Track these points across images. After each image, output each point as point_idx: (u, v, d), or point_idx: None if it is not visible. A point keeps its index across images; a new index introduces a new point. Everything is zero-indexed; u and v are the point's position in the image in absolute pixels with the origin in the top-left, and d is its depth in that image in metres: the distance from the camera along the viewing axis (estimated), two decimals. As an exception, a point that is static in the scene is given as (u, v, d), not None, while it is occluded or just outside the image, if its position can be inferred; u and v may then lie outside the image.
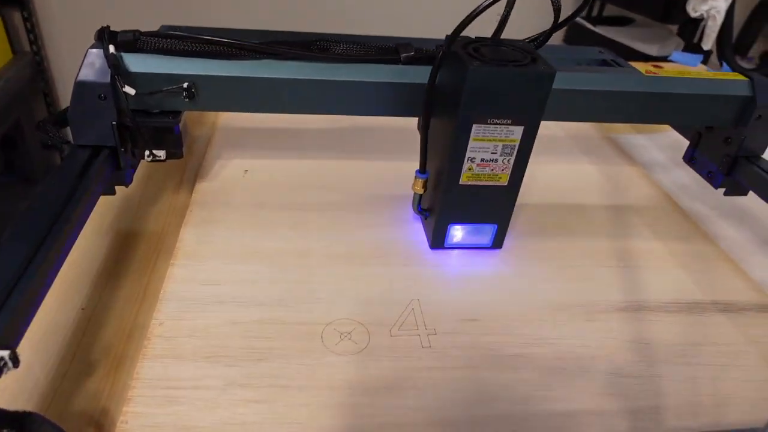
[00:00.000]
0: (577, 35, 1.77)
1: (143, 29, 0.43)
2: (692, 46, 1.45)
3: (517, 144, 0.40)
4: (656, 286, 0.43)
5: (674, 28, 1.55)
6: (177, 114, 0.44)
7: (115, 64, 0.39)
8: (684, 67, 1.00)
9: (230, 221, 0.46)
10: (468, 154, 0.40)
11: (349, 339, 0.35)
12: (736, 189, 0.52)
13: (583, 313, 0.40)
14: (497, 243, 0.46)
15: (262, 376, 0.32)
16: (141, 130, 0.42)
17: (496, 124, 0.38)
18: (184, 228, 0.44)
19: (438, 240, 0.45)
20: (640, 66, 0.51)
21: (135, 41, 0.41)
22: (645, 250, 0.47)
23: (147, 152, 0.44)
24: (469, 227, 0.45)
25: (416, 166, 0.44)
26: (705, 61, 1.53)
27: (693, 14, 1.37)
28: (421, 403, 0.32)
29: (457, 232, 0.45)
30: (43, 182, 0.38)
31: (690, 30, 1.45)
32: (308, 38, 0.45)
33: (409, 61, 0.45)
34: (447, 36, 0.39)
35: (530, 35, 0.46)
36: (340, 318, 0.37)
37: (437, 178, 0.43)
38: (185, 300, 0.37)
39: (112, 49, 0.40)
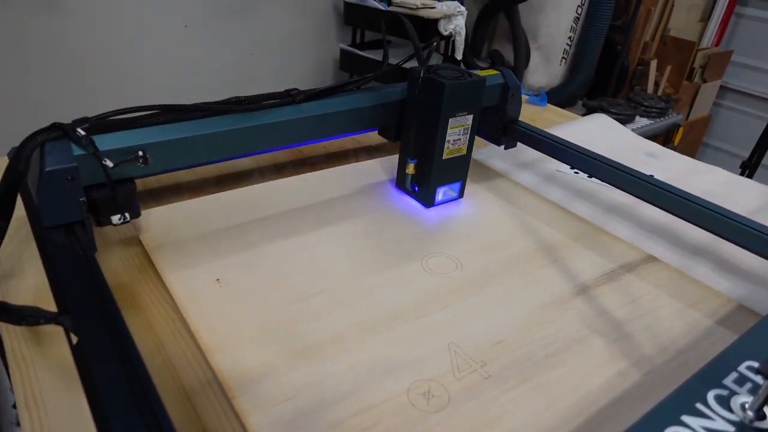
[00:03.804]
0: (349, 61, 1.95)
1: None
2: (448, 58, 1.74)
3: (470, 126, 0.62)
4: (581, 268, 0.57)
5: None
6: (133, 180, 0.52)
7: (91, 144, 0.46)
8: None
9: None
10: (447, 138, 0.60)
11: (432, 396, 0.40)
12: (510, 144, 0.76)
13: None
14: (461, 194, 0.67)
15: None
16: (117, 197, 0.49)
17: (459, 116, 0.60)
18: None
19: (430, 200, 0.65)
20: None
21: (90, 127, 0.47)
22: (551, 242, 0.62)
23: (118, 216, 0.51)
24: (445, 187, 0.65)
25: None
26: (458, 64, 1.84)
27: (444, 33, 1.65)
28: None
29: (440, 193, 0.65)
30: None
31: (443, 45, 1.74)
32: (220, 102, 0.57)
33: (301, 101, 0.61)
34: (412, 69, 0.61)
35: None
36: (413, 382, 0.41)
37: (424, 159, 0.62)
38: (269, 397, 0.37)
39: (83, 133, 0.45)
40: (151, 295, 0.49)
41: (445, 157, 0.61)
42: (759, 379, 0.35)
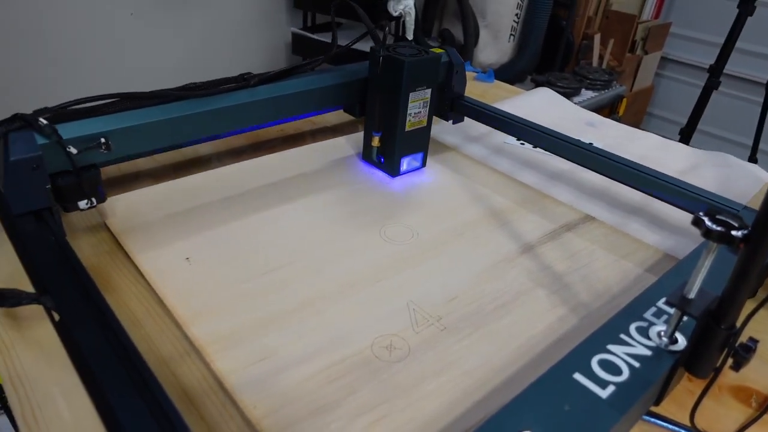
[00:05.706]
0: (301, 44, 1.95)
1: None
2: (399, 39, 1.76)
3: (428, 99, 0.67)
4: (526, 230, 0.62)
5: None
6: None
7: (55, 133, 0.49)
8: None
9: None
10: (409, 111, 0.66)
11: (394, 348, 0.44)
12: (457, 119, 0.82)
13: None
14: (424, 163, 0.73)
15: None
16: (82, 182, 0.52)
17: (419, 90, 0.65)
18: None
19: (395, 170, 0.70)
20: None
21: (52, 117, 0.50)
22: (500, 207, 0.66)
23: (84, 201, 0.53)
24: (409, 157, 0.70)
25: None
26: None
27: (394, 14, 1.66)
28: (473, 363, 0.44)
29: (404, 163, 0.70)
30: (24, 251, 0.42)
31: (393, 26, 1.76)
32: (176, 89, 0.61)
33: (255, 85, 0.65)
34: (373, 48, 0.66)
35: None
36: (376, 337, 0.45)
37: (388, 132, 0.68)
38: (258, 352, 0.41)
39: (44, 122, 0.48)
40: (123, 278, 0.51)
41: (407, 129, 0.67)
42: (673, 310, 0.40)
